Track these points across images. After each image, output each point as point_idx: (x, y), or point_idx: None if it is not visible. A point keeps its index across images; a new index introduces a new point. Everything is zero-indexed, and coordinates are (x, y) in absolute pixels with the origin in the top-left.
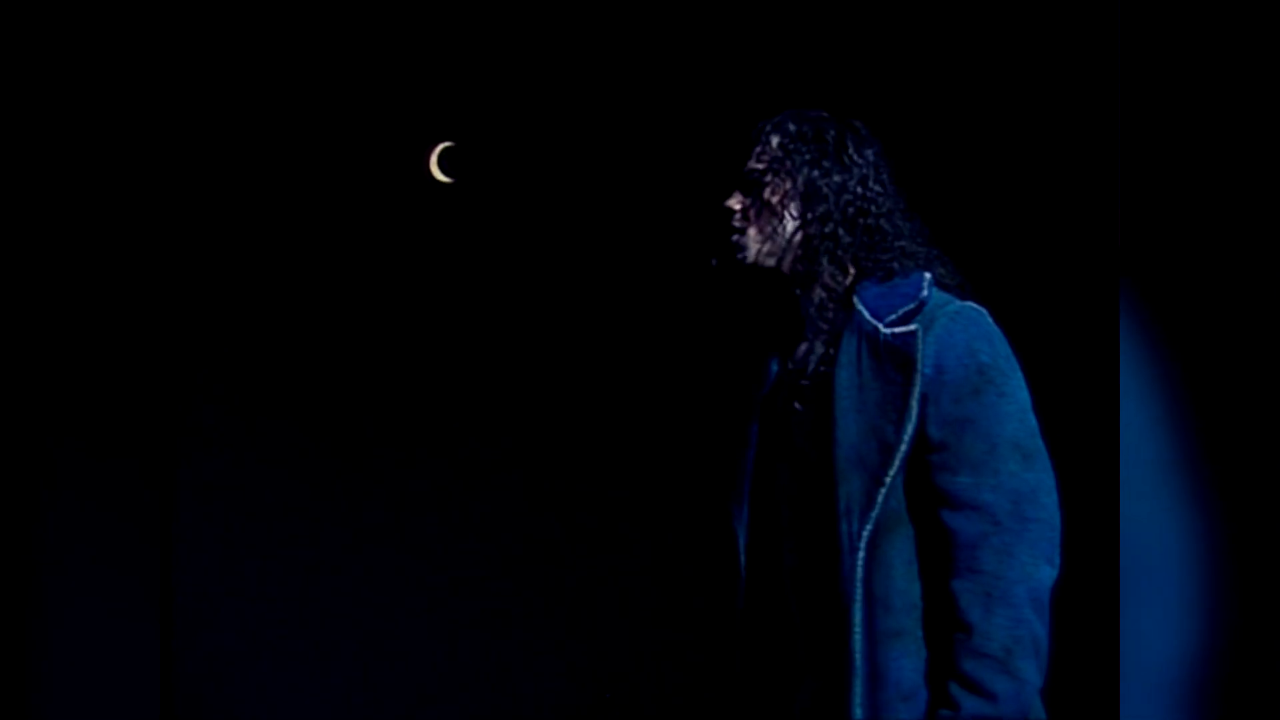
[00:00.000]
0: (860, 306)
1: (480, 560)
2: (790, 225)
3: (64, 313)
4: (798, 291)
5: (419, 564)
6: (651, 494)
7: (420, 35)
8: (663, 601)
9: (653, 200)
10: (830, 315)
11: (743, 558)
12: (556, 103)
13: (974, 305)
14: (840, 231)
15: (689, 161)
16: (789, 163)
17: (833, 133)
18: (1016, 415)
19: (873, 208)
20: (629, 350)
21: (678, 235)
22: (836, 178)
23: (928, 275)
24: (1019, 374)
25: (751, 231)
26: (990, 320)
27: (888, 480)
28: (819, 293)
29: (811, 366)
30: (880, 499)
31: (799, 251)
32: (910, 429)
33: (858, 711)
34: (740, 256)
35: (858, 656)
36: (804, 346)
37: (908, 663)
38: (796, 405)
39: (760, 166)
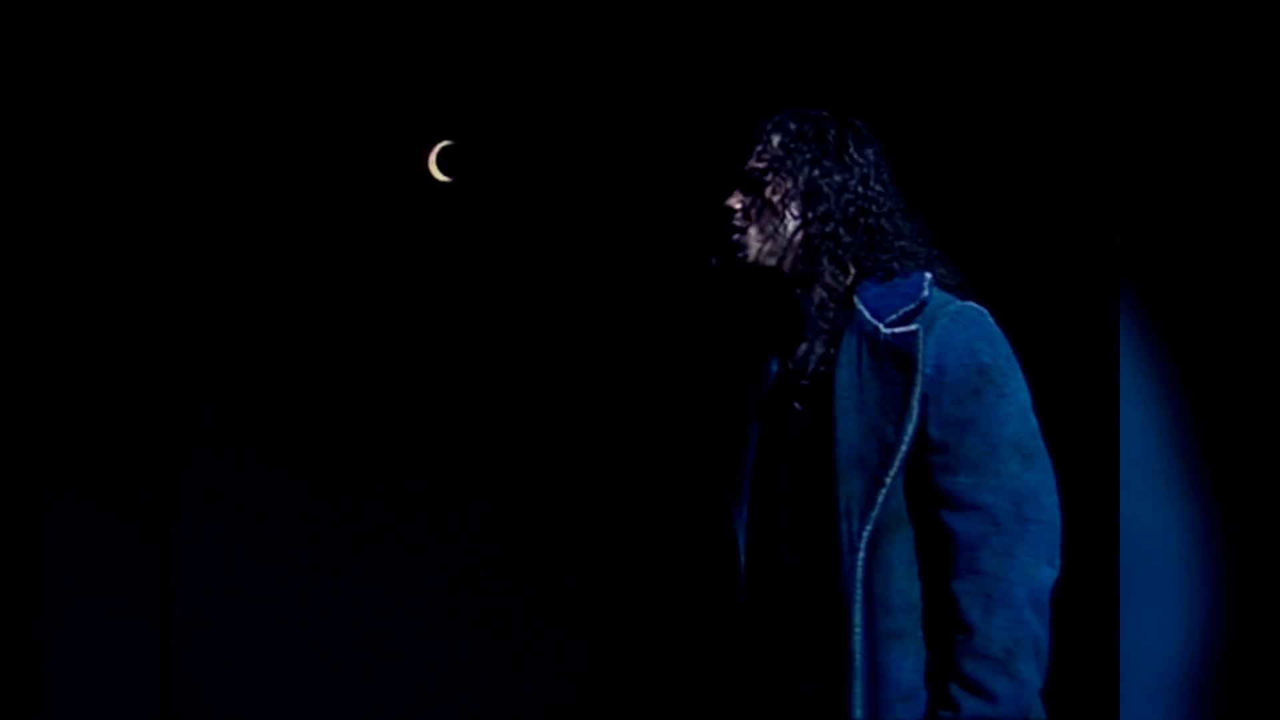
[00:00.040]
0: (861, 306)
1: (480, 560)
2: (791, 224)
3: (64, 313)
4: (798, 291)
5: (419, 564)
6: (651, 494)
7: (419, 34)
8: (663, 601)
9: (652, 199)
10: (830, 315)
11: (742, 558)
12: (556, 102)
13: (975, 305)
14: (841, 231)
15: (689, 160)
16: (790, 162)
17: (834, 132)
18: (1017, 416)
19: (873, 207)
20: (629, 350)
21: (678, 234)
22: (837, 177)
23: (928, 275)
24: (1019, 374)
25: (752, 231)
26: (991, 320)
27: (888, 480)
28: (819, 292)
29: (811, 366)
30: (880, 499)
31: (800, 251)
32: (911, 429)
33: (857, 712)
34: (741, 256)
35: (857, 657)
36: (804, 346)
37: (908, 663)
38: (796, 405)
39: (761, 165)
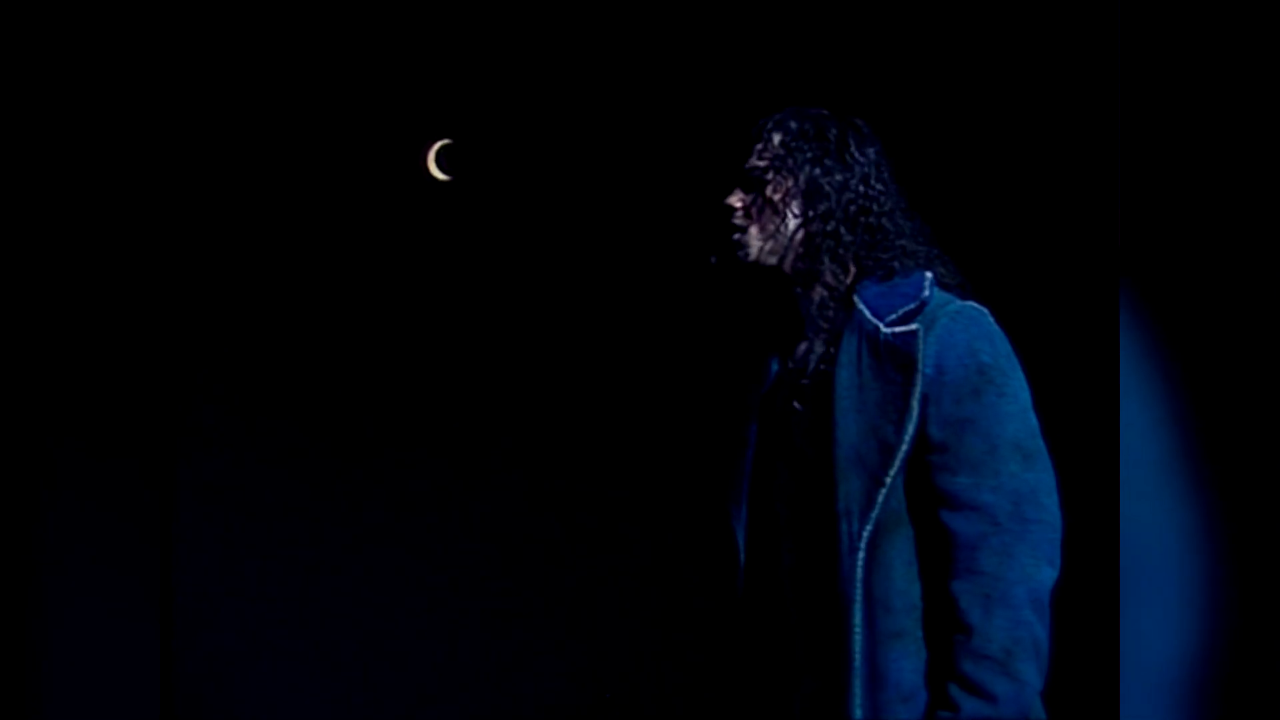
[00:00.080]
0: (861, 306)
1: (480, 560)
2: (792, 223)
3: (64, 313)
4: (798, 290)
5: (419, 564)
6: (651, 494)
7: (417, 33)
8: (663, 601)
9: (652, 198)
10: (831, 314)
11: (741, 557)
12: (555, 100)
13: (975, 305)
14: (842, 230)
15: (688, 159)
16: (791, 160)
17: (834, 131)
18: (1017, 415)
19: (874, 206)
20: (629, 350)
21: (678, 233)
22: (838, 176)
23: (928, 275)
24: (1020, 374)
25: (753, 229)
26: (991, 320)
27: (887, 480)
28: (820, 291)
29: (811, 366)
30: (880, 499)
31: (800, 250)
32: (911, 429)
33: (857, 712)
34: (741, 254)
35: (857, 657)
36: (804, 346)
37: (907, 664)
38: (796, 405)
39: (762, 164)
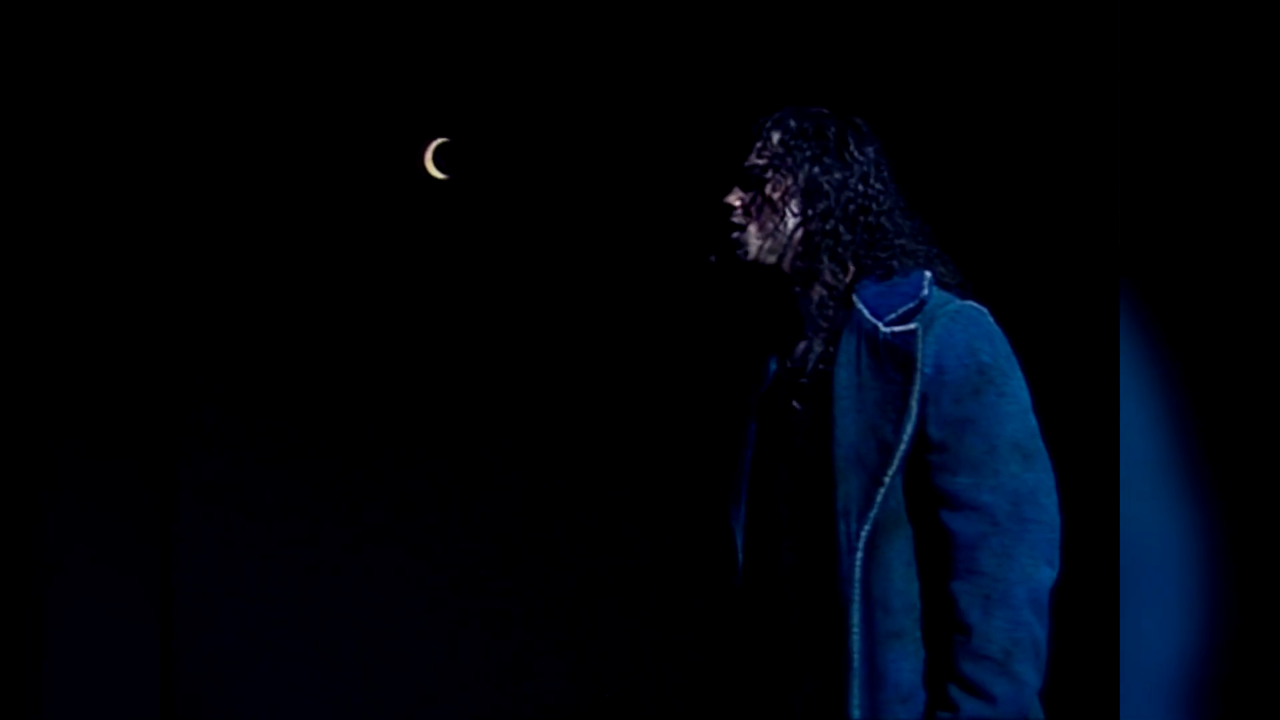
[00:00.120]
0: (860, 305)
1: (480, 560)
2: (791, 222)
3: (64, 313)
4: (797, 289)
5: (419, 564)
6: (651, 494)
7: (415, 31)
8: (663, 601)
9: (651, 197)
10: (830, 313)
11: (740, 557)
12: (553, 98)
13: (974, 304)
14: (841, 229)
15: (687, 157)
16: (790, 159)
17: (833, 129)
18: (1017, 415)
19: (873, 205)
20: (628, 350)
21: (676, 232)
22: (837, 175)
23: (928, 274)
24: (1019, 374)
25: (752, 228)
26: (990, 320)
27: (886, 480)
28: (819, 291)
29: (810, 365)
30: (879, 499)
31: (799, 249)
32: (910, 429)
33: (856, 712)
34: (740, 253)
35: (856, 657)
36: (803, 345)
37: (906, 664)
38: (795, 404)
39: (761, 163)
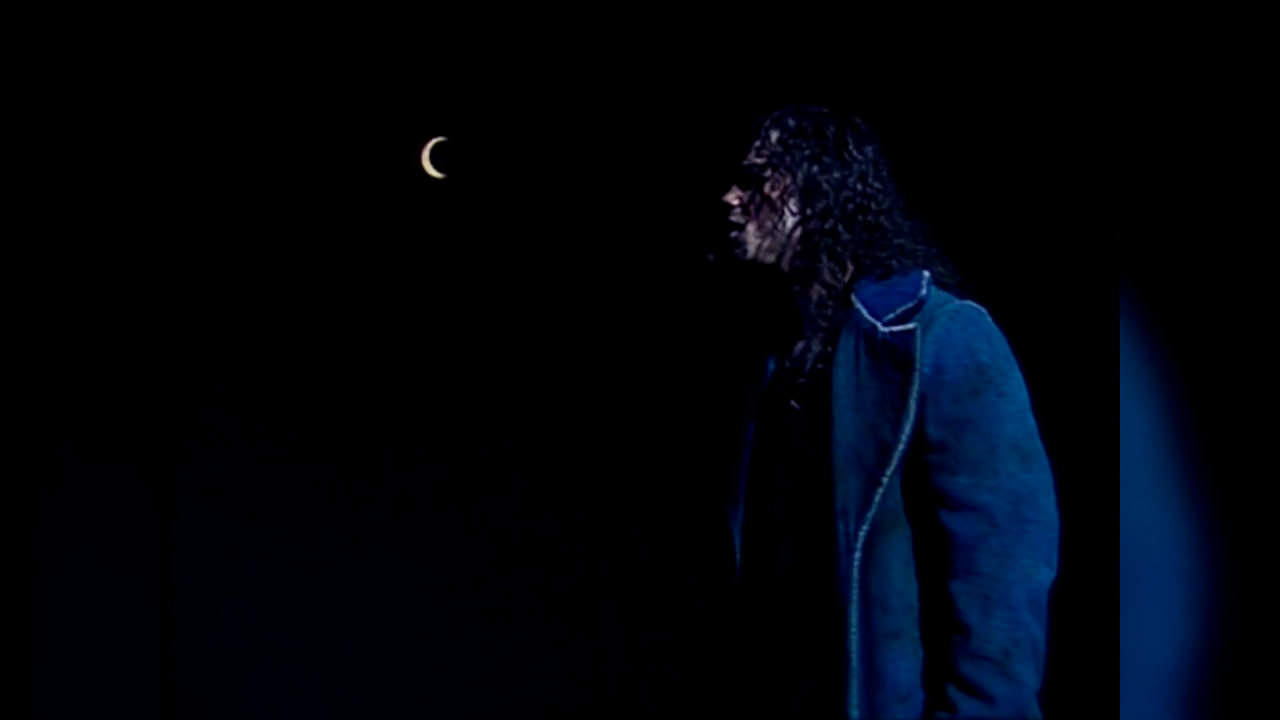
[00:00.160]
0: (859, 304)
1: (480, 560)
2: (790, 221)
3: (64, 313)
4: (796, 289)
5: (419, 564)
6: (651, 494)
7: (412, 31)
8: (663, 601)
9: (649, 196)
10: (829, 313)
11: (738, 557)
12: (551, 97)
13: (973, 304)
14: (840, 228)
15: (686, 156)
16: (789, 158)
17: (832, 128)
18: (1016, 415)
19: (872, 205)
20: (628, 349)
21: (675, 231)
22: (836, 174)
23: (926, 274)
24: (1018, 374)
25: (751, 227)
26: (990, 319)
27: (885, 480)
28: (817, 290)
29: (809, 365)
30: (877, 499)
31: (798, 248)
32: (908, 429)
33: (854, 712)
34: (739, 252)
35: (854, 657)
36: (801, 344)
37: (905, 664)
38: (794, 404)
39: (760, 161)
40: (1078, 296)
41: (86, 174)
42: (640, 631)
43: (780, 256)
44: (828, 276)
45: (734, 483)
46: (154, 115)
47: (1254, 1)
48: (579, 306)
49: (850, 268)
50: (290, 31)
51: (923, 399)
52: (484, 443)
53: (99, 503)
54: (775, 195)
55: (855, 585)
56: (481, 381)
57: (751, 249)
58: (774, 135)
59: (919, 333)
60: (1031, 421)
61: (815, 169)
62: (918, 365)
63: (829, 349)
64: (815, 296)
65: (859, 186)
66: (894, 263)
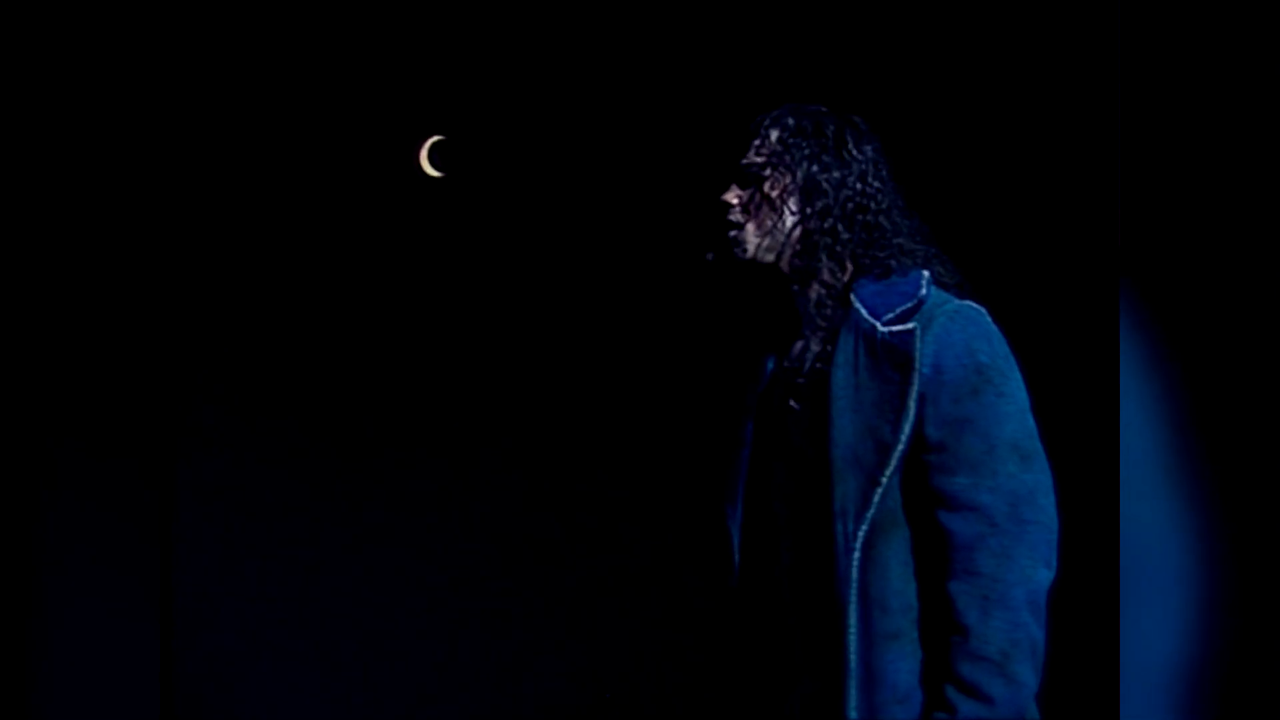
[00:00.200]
0: (858, 304)
1: (480, 560)
2: (789, 220)
3: (64, 312)
4: (795, 288)
5: (419, 564)
6: (651, 494)
7: (410, 30)
8: (663, 601)
9: (648, 195)
10: (828, 312)
11: (737, 557)
12: (550, 96)
13: (973, 304)
14: (839, 227)
15: (685, 155)
16: (789, 157)
17: (832, 128)
18: (1015, 416)
19: (871, 204)
20: (627, 349)
21: (674, 231)
22: (836, 173)
23: (926, 273)
24: (1018, 374)
25: (750, 226)
26: (989, 319)
27: (884, 480)
28: (817, 289)
29: (808, 364)
30: (876, 499)
31: (798, 247)
32: (908, 429)
33: (853, 713)
34: (738, 251)
35: (853, 658)
36: (800, 344)
37: (903, 664)
38: (792, 404)
39: (759, 160)
40: (1078, 296)
41: (86, 174)
42: (640, 631)
43: (779, 256)
44: (827, 276)
45: (733, 483)
46: (153, 115)
47: (1254, 1)
48: (578, 306)
49: (849, 267)
50: (289, 31)
51: (922, 399)
52: (484, 443)
53: (99, 503)
54: (775, 194)
55: (854, 585)
56: (481, 382)
57: (751, 248)
58: (774, 134)
59: (918, 333)
60: (1031, 422)
61: (815, 168)
62: (917, 365)
63: (828, 349)
64: (814, 296)
65: (858, 186)
66: (893, 262)
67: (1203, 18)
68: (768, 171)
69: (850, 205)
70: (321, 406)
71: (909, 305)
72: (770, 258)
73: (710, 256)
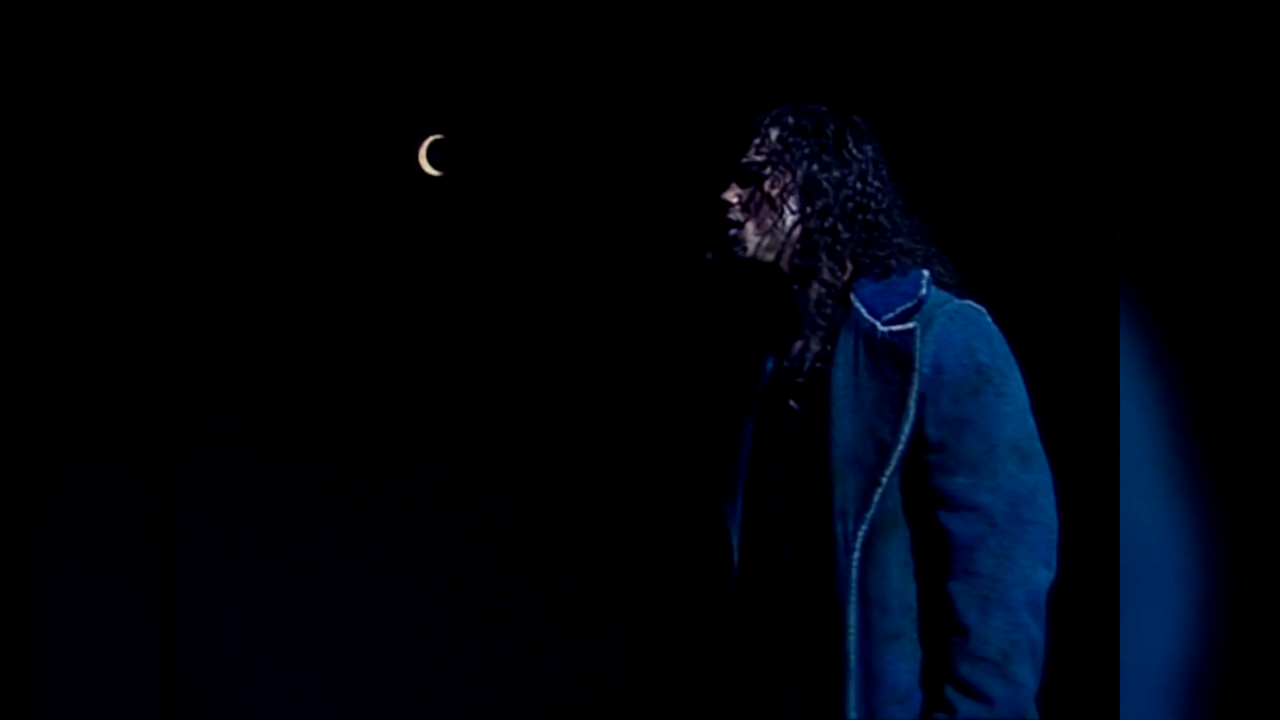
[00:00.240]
0: (858, 304)
1: (480, 560)
2: (789, 219)
3: (64, 312)
4: (795, 287)
5: (419, 564)
6: (651, 494)
7: (409, 29)
8: (663, 601)
9: (648, 194)
10: (828, 312)
11: (736, 557)
12: (549, 94)
13: (973, 304)
14: (839, 227)
15: (685, 154)
16: (789, 156)
17: (832, 127)
18: (1015, 416)
19: (871, 204)
20: (627, 349)
21: (674, 230)
22: (836, 172)
23: (926, 273)
24: (1018, 374)
25: (750, 225)
26: (989, 319)
27: (884, 480)
28: (817, 289)
29: (808, 364)
30: (876, 499)
31: (798, 246)
32: (908, 429)
33: (852, 713)
34: (738, 251)
35: (852, 658)
36: (800, 344)
37: (903, 665)
38: (792, 404)
39: (760, 159)
40: (1078, 296)
41: (86, 174)
42: (640, 631)
43: (779, 255)
44: (827, 275)
45: (732, 483)
46: (153, 115)
47: (1254, 1)
48: (578, 306)
49: (849, 266)
50: (287, 30)
51: (922, 399)
52: (484, 443)
53: (99, 503)
54: (775, 193)
55: (854, 586)
56: (481, 381)
57: (751, 247)
58: (774, 133)
59: (918, 332)
60: (1031, 422)
61: (815, 167)
62: (917, 365)
63: (828, 348)
64: (814, 295)
65: (858, 185)
66: (893, 262)
67: (1203, 18)
68: (768, 170)
69: (850, 204)
70: (321, 406)
71: (909, 305)
72: (770, 257)
73: (710, 255)
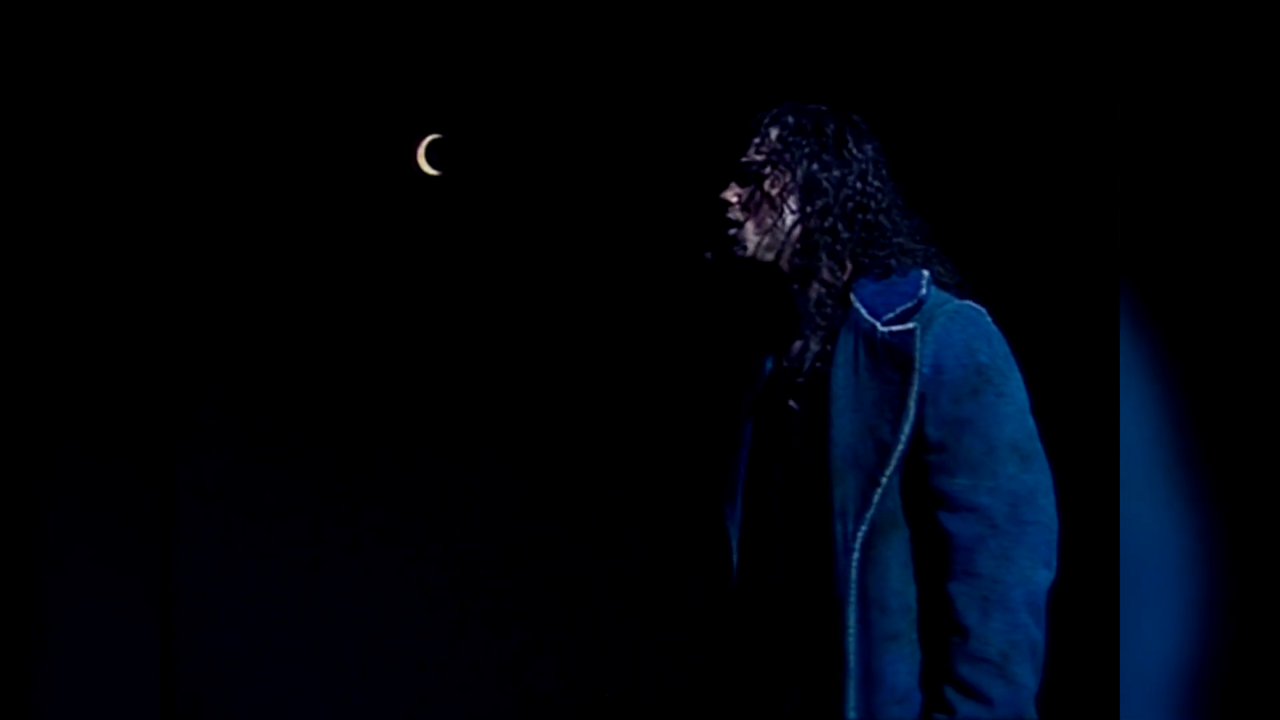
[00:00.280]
0: (857, 304)
1: (480, 560)
2: (789, 219)
3: (64, 312)
4: (794, 287)
5: (419, 564)
6: (651, 494)
7: (408, 28)
8: (663, 601)
9: (647, 194)
10: (827, 312)
11: (735, 558)
12: (548, 94)
13: (973, 304)
14: (839, 226)
15: (684, 153)
16: (789, 155)
17: (832, 126)
18: (1015, 416)
19: (871, 203)
20: (626, 349)
21: (673, 229)
22: (836, 172)
23: (926, 273)
24: (1018, 374)
25: (750, 225)
26: (989, 320)
27: (883, 481)
28: (816, 289)
29: (807, 364)
30: (876, 500)
31: (797, 246)
32: (907, 429)
33: (851, 714)
34: (737, 250)
35: (851, 658)
36: (799, 344)
37: (903, 665)
38: (792, 404)
39: (759, 158)
40: (1078, 296)
41: (87, 174)
42: (640, 631)
43: (779, 254)
44: (826, 275)
45: (731, 483)
46: (153, 115)
47: (1254, 2)
48: (577, 305)
49: (849, 266)
50: (287, 30)
51: (922, 399)
52: (484, 443)
53: (99, 503)
54: (775, 193)
55: (853, 586)
56: (481, 381)
57: (750, 247)
58: (774, 132)
59: (918, 333)
60: (1031, 422)
61: (815, 167)
62: (917, 365)
63: (827, 348)
64: (814, 295)
65: (858, 185)
66: (893, 262)
67: (1203, 18)
68: (768, 170)
69: (850, 204)
70: (321, 406)
71: (909, 305)
72: (770, 256)
73: (710, 255)
